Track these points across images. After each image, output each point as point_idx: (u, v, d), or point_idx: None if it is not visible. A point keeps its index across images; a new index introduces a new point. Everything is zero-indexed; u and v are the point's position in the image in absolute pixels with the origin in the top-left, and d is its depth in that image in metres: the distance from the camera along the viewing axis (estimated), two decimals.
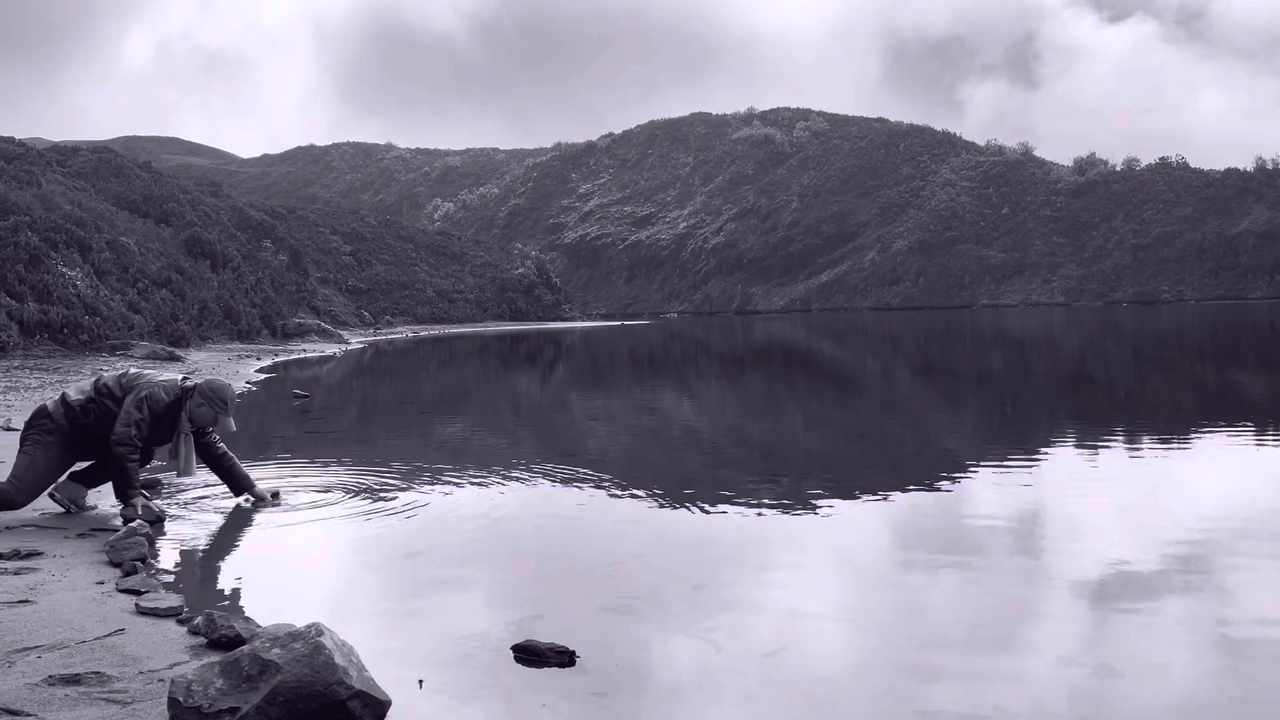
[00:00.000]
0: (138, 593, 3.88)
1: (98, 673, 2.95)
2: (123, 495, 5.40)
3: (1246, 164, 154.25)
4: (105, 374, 5.71)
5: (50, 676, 2.92)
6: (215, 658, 2.78)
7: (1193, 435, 8.79)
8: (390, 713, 2.62)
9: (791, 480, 6.84)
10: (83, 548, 4.73)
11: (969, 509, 5.63)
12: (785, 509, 5.64)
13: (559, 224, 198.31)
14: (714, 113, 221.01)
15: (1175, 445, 8.23)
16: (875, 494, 6.08)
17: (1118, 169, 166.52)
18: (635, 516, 5.56)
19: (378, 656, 3.05)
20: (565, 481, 6.63)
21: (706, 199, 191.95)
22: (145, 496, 5.48)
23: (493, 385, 18.00)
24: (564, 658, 3.16)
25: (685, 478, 7.10)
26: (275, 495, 5.87)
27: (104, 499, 5.76)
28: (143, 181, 46.68)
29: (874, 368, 20.97)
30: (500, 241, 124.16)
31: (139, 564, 4.32)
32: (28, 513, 5.47)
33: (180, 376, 5.80)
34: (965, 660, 3.19)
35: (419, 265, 72.68)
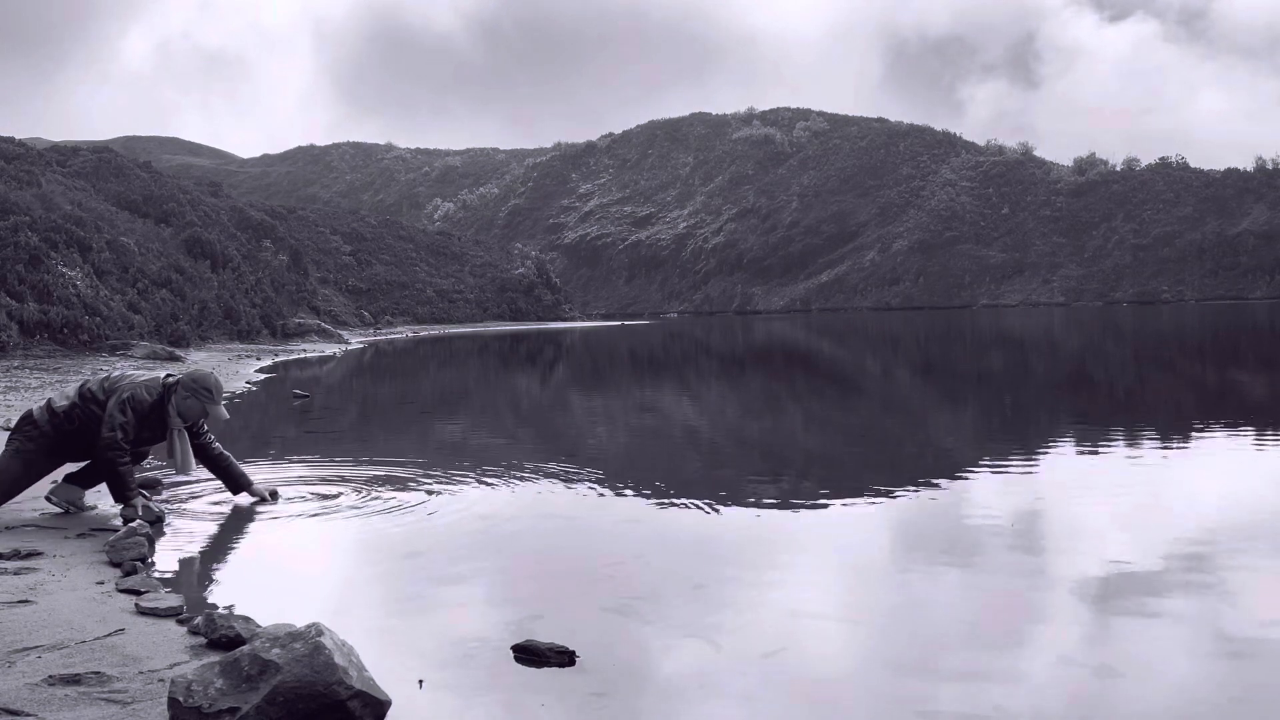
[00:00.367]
0: (138, 593, 3.88)
1: (98, 673, 2.95)
2: (121, 498, 5.39)
3: (1246, 164, 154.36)
4: (90, 378, 5.69)
5: (50, 676, 2.92)
6: (215, 658, 2.78)
7: (1193, 435, 8.78)
8: (390, 713, 2.62)
9: (791, 480, 6.84)
10: (83, 548, 4.73)
11: (969, 509, 5.63)
12: (785, 509, 5.64)
13: (559, 224, 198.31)
14: (714, 113, 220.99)
15: (1175, 445, 8.22)
16: (875, 494, 6.08)
17: (1118, 169, 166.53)
18: (635, 516, 5.56)
19: (378, 656, 3.05)
20: (565, 481, 6.63)
21: (706, 199, 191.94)
22: (145, 496, 5.48)
23: (493, 385, 18.01)
24: (564, 658, 3.16)
25: (685, 478, 7.10)
26: (274, 494, 5.87)
27: (104, 499, 5.76)
28: (143, 181, 46.69)
29: (874, 368, 20.97)
30: (500, 241, 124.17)
31: (139, 564, 4.32)
32: (28, 513, 5.47)
33: (164, 374, 5.78)
34: (965, 660, 3.19)
35: (419, 265, 72.69)
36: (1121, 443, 8.26)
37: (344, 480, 6.56)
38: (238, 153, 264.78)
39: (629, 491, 6.26)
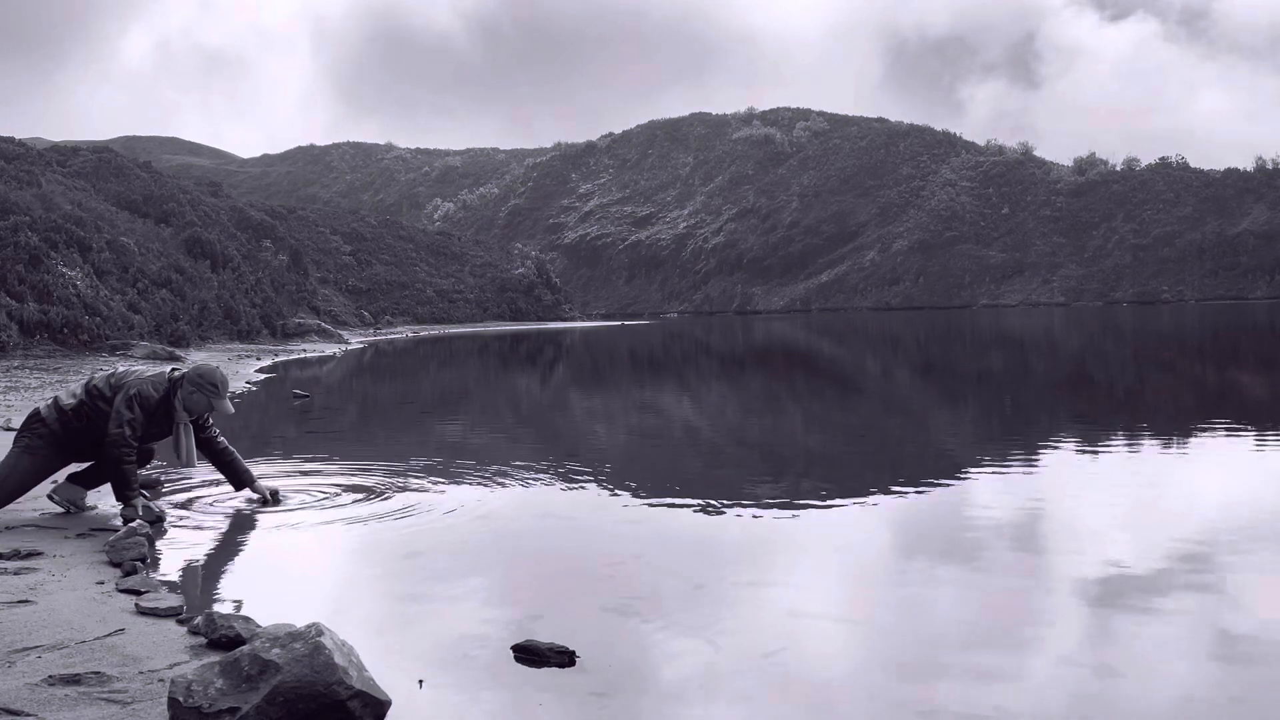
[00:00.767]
0: (138, 593, 3.88)
1: (98, 673, 2.95)
2: (122, 496, 5.40)
3: (1247, 164, 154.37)
4: (96, 375, 5.71)
5: (50, 676, 2.92)
6: (215, 658, 2.78)
7: (1193, 435, 8.79)
8: (390, 713, 2.61)
9: (791, 480, 6.84)
10: (83, 548, 4.73)
11: (969, 509, 5.63)
12: (785, 509, 5.64)
13: (559, 224, 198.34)
14: (714, 113, 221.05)
15: (1175, 445, 8.23)
16: (875, 494, 6.08)
17: (1118, 169, 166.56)
18: (635, 516, 5.56)
19: (378, 656, 3.05)
20: (565, 481, 6.63)
21: (706, 199, 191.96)
22: (145, 496, 5.48)
23: (493, 385, 18.01)
24: (564, 658, 3.16)
25: (685, 478, 7.10)
26: (275, 495, 5.87)
27: (104, 499, 5.76)
28: (143, 181, 46.69)
29: (874, 368, 20.97)
30: (500, 241, 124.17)
31: (139, 564, 4.31)
32: (28, 513, 5.47)
33: (169, 369, 5.80)
34: (965, 660, 3.19)
35: (419, 265, 72.69)
36: (1121, 443, 8.26)
37: (344, 480, 6.56)
38: (238, 153, 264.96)
39: (629, 491, 6.26)
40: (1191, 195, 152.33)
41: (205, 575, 4.45)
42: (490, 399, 15.18)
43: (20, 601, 3.74)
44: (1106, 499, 5.84)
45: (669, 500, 5.96)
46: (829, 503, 5.85)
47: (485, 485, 6.44)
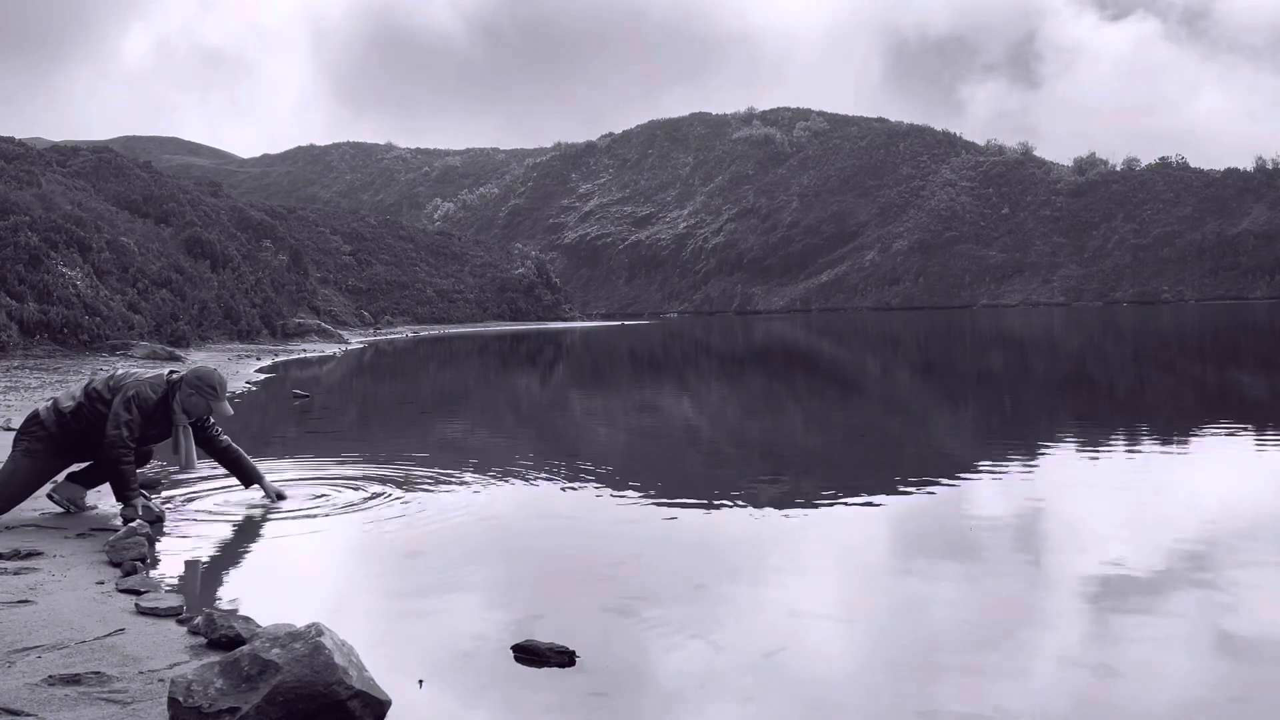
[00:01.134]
0: (138, 593, 3.88)
1: (98, 673, 2.95)
2: (122, 496, 5.40)
3: (1247, 164, 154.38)
4: (95, 378, 5.71)
5: (50, 676, 2.92)
6: (215, 658, 2.78)
7: (1193, 435, 8.78)
8: (390, 713, 2.61)
9: (791, 480, 6.84)
10: (83, 548, 4.73)
11: (969, 509, 5.63)
12: (785, 509, 5.64)
13: (559, 224, 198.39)
14: (714, 113, 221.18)
15: (1175, 445, 8.22)
16: (875, 494, 6.08)
17: (1118, 169, 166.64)
18: (635, 516, 5.56)
19: (378, 656, 3.05)
20: (566, 481, 6.63)
21: (706, 199, 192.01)
22: (145, 496, 5.48)
23: (493, 385, 18.01)
24: (564, 658, 3.16)
25: (685, 478, 7.10)
26: (280, 495, 5.87)
27: (104, 499, 5.76)
28: (143, 181, 46.69)
29: (874, 368, 20.97)
30: (500, 241, 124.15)
31: (139, 564, 4.31)
32: (28, 513, 5.47)
33: (167, 371, 5.79)
34: (965, 660, 3.19)
35: (419, 265, 72.69)
36: (1121, 443, 8.26)
37: (344, 480, 6.56)
38: (237, 152, 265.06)
39: (629, 491, 6.26)
40: (1191, 195, 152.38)
41: (205, 575, 4.45)
42: (490, 399, 15.17)
43: (20, 601, 3.74)
44: (1106, 499, 5.83)
45: (669, 500, 5.96)
46: (829, 503, 5.85)
47: (485, 485, 6.44)
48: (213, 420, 5.86)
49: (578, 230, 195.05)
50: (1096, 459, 7.46)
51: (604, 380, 18.90)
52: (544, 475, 6.87)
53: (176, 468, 5.92)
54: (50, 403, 5.61)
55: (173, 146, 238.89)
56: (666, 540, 5.01)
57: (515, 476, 6.78)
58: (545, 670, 3.12)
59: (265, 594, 4.13)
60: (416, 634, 3.55)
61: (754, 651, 3.28)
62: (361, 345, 35.90)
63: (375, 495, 6.02)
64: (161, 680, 2.89)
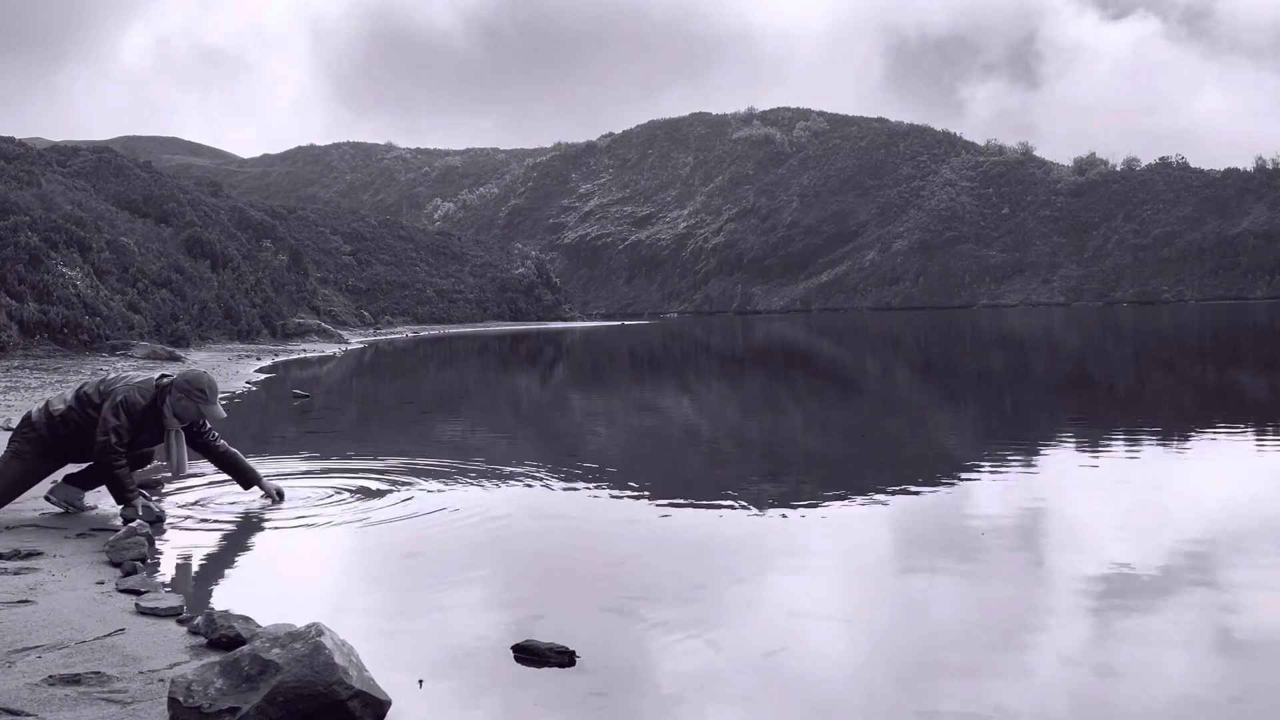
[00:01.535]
0: (138, 593, 3.88)
1: (98, 673, 2.95)
2: (121, 499, 5.40)
3: (1247, 164, 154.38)
4: (88, 382, 5.69)
5: (50, 676, 2.92)
6: (215, 658, 2.78)
7: (1193, 435, 8.78)
8: (390, 713, 2.62)
9: (791, 480, 6.84)
10: (83, 548, 4.73)
11: (969, 509, 5.63)
12: (785, 509, 5.64)
13: (559, 224, 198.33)
14: (714, 113, 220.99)
15: (1175, 445, 8.22)
16: (875, 494, 6.08)
17: (1118, 169, 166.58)
18: (635, 516, 5.56)
19: (378, 656, 3.05)
20: (565, 481, 6.63)
21: (706, 199, 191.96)
22: (145, 496, 5.48)
23: (493, 385, 18.01)
24: (564, 658, 3.16)
25: (685, 478, 7.10)
26: (280, 495, 5.87)
27: (104, 499, 5.76)
28: (143, 181, 46.69)
29: (874, 368, 20.97)
30: (500, 241, 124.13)
31: (139, 564, 4.31)
32: (28, 513, 5.47)
33: (157, 375, 5.77)
34: (965, 660, 3.19)
35: (419, 265, 72.69)
36: (1121, 443, 8.26)
37: (344, 480, 6.56)
38: (237, 152, 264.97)
39: (629, 491, 6.26)
40: (1191, 195, 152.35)
41: (205, 575, 4.45)
42: (490, 399, 15.18)
43: (20, 601, 3.74)
44: (1106, 499, 5.83)
45: (669, 500, 5.96)
46: (829, 503, 5.85)
47: (485, 485, 6.43)
48: (208, 425, 5.83)
49: (578, 230, 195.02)
50: (1096, 459, 7.46)
51: (604, 380, 18.90)
52: (544, 475, 6.87)
53: (169, 473, 5.91)
54: (43, 405, 5.61)
55: (173, 146, 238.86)
56: (666, 540, 5.01)
57: (515, 476, 6.78)
58: (545, 670, 3.12)
59: (265, 594, 4.13)
60: (416, 634, 3.55)
61: (754, 651, 3.28)
62: (361, 345, 35.90)
63: (375, 495, 6.02)
64: (161, 680, 2.89)
